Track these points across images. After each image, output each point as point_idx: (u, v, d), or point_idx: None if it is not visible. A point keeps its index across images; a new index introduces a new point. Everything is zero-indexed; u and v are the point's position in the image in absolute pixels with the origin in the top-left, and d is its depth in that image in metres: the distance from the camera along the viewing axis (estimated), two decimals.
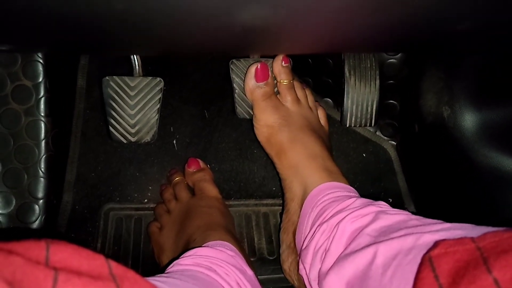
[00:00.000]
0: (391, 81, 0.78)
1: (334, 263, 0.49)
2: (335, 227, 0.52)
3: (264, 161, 0.80)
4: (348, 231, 0.50)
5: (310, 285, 0.55)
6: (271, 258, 0.72)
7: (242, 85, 0.67)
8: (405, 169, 0.82)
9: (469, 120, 0.64)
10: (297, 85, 0.70)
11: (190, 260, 0.50)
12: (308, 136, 0.65)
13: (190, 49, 0.58)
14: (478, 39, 0.53)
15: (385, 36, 0.47)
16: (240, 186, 0.79)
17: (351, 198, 0.55)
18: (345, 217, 0.51)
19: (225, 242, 0.58)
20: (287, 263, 0.64)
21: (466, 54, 0.64)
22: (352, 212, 0.51)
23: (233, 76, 0.68)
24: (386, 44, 0.56)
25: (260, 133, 0.67)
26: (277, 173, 0.68)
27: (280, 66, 0.67)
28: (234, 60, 0.68)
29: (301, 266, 0.56)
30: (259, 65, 0.65)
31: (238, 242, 0.62)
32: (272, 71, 0.67)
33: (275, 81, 0.68)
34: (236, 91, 0.68)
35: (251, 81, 0.66)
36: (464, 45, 0.58)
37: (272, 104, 0.66)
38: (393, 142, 0.84)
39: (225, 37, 0.45)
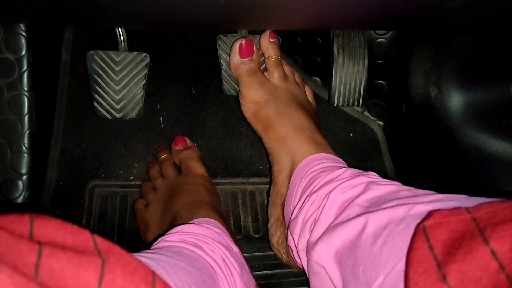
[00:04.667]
0: (380, 61, 0.78)
1: (323, 233, 0.48)
2: (325, 197, 0.51)
3: (251, 139, 0.80)
4: (338, 201, 0.50)
5: (298, 255, 0.54)
6: (256, 236, 0.72)
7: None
8: (391, 149, 0.83)
9: (455, 100, 0.64)
10: (284, 62, 0.69)
11: (176, 237, 0.50)
12: (295, 109, 0.65)
13: (174, 22, 0.57)
14: (466, 19, 0.53)
15: (374, 11, 0.47)
16: (227, 164, 0.79)
17: (341, 168, 0.55)
18: (335, 187, 0.51)
19: (211, 220, 0.58)
20: (275, 237, 0.64)
21: (455, 34, 0.64)
22: (342, 182, 0.51)
23: (220, 52, 0.67)
24: (375, 20, 0.56)
25: (246, 109, 0.67)
26: (265, 149, 0.68)
27: (267, 42, 0.66)
28: (221, 36, 0.67)
29: (289, 237, 0.56)
30: (243, 41, 0.65)
31: (224, 220, 0.62)
32: (258, 48, 0.66)
33: (263, 58, 0.67)
34: (223, 67, 0.68)
35: (235, 57, 0.65)
36: (452, 24, 0.58)
37: (258, 80, 0.66)
38: (380, 122, 0.85)
39: (210, 9, 0.44)
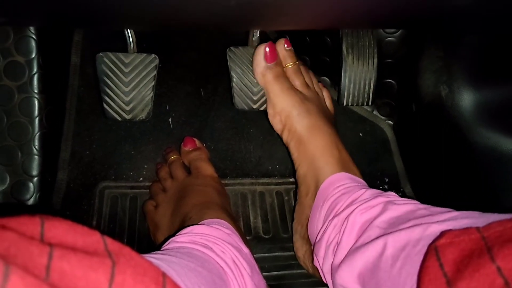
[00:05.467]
0: (389, 60, 0.77)
1: (345, 256, 0.50)
2: (345, 220, 0.52)
3: (260, 140, 0.80)
4: (358, 223, 0.51)
5: (324, 277, 0.56)
6: (266, 236, 0.72)
7: (241, 73, 0.66)
8: (402, 149, 0.82)
9: (467, 99, 0.63)
10: (302, 68, 0.68)
11: (186, 238, 0.50)
12: (324, 123, 0.63)
13: (184, 23, 0.57)
14: (477, 17, 0.52)
15: (384, 10, 0.46)
16: (236, 165, 0.78)
17: (361, 189, 0.55)
18: (354, 209, 0.52)
19: (221, 220, 0.58)
20: (301, 251, 0.65)
21: (465, 33, 0.64)
22: (361, 204, 0.52)
23: (230, 64, 0.66)
24: (385, 19, 0.56)
25: (277, 121, 0.65)
26: (290, 157, 0.67)
27: (284, 51, 0.65)
28: (232, 48, 0.67)
29: (315, 259, 0.57)
30: (267, 46, 0.63)
31: (234, 221, 0.62)
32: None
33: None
34: (234, 79, 0.66)
35: (261, 63, 0.63)
36: (463, 22, 0.57)
37: (287, 86, 0.64)
38: (390, 122, 0.84)
39: (220, 10, 0.44)
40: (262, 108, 0.69)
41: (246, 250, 0.55)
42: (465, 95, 0.63)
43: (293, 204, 0.75)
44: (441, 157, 0.70)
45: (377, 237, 0.46)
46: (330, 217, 0.55)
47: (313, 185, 0.62)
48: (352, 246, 0.50)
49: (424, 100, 0.71)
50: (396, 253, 0.43)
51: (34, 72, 0.64)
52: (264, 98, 0.67)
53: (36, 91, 0.64)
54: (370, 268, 0.46)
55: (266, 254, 0.69)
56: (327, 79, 0.85)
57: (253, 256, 0.57)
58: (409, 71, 0.75)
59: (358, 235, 0.50)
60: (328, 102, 0.71)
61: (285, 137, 0.65)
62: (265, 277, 0.58)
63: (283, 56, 0.65)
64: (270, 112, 0.65)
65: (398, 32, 0.75)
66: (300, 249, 0.65)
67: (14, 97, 0.64)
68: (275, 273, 0.67)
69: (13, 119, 0.65)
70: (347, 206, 0.54)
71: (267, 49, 0.63)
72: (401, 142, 0.82)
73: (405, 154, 0.82)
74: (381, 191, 0.55)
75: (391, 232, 0.45)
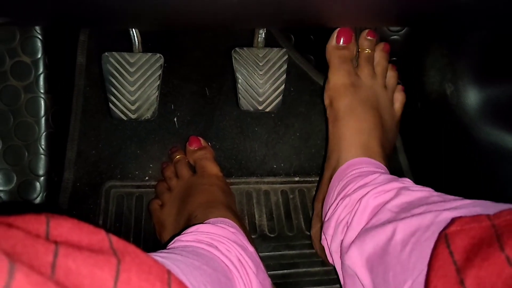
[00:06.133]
0: (394, 58, 0.77)
1: (355, 237, 0.50)
2: (357, 201, 0.53)
3: (265, 139, 0.80)
4: (370, 206, 0.51)
5: (331, 256, 0.56)
6: (272, 235, 0.72)
7: (246, 74, 0.66)
8: (407, 147, 0.82)
9: (472, 97, 0.63)
10: (382, 63, 0.70)
11: (192, 237, 0.50)
12: (366, 110, 0.65)
13: (188, 22, 0.57)
14: (481, 14, 0.52)
15: (388, 7, 0.46)
16: (241, 164, 0.79)
17: (375, 173, 0.56)
18: (368, 192, 0.52)
19: (226, 219, 0.59)
20: (314, 229, 0.67)
21: (470, 30, 0.63)
22: (376, 187, 0.52)
23: (236, 65, 0.67)
24: (389, 17, 0.56)
25: (326, 95, 0.68)
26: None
27: (363, 38, 0.68)
28: (237, 49, 0.67)
29: (323, 237, 0.58)
30: (341, 28, 0.66)
31: (239, 219, 0.62)
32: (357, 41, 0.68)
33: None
34: (239, 80, 0.67)
35: (332, 42, 0.67)
36: (467, 20, 0.57)
37: (346, 68, 0.66)
38: None
39: (223, 8, 0.44)
40: (267, 110, 0.69)
41: (251, 248, 0.55)
42: (470, 93, 0.63)
43: (298, 202, 0.75)
44: (445, 154, 0.70)
45: (388, 222, 0.46)
46: (341, 196, 0.56)
47: (334, 165, 0.63)
48: (362, 228, 0.50)
49: (429, 97, 0.71)
50: (406, 238, 0.43)
51: (40, 72, 0.64)
52: (268, 100, 0.67)
53: (42, 91, 0.65)
54: (379, 252, 0.46)
55: (272, 253, 0.69)
56: None
57: (258, 255, 0.57)
58: (413, 69, 0.75)
59: (369, 217, 0.51)
60: (397, 105, 0.71)
61: (328, 112, 0.68)
62: (271, 276, 0.58)
63: (361, 43, 0.68)
64: (325, 87, 0.68)
65: (403, 30, 0.75)
66: (314, 227, 0.67)
67: (20, 97, 0.64)
68: (281, 271, 0.67)
69: (19, 119, 0.65)
70: (360, 188, 0.54)
71: (341, 30, 0.66)
72: (406, 140, 0.82)
73: (409, 152, 0.81)
74: (396, 176, 0.55)
75: (402, 218, 0.45)
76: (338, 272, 0.56)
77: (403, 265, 0.42)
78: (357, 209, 0.52)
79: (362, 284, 0.49)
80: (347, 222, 0.53)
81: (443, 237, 0.35)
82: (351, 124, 0.64)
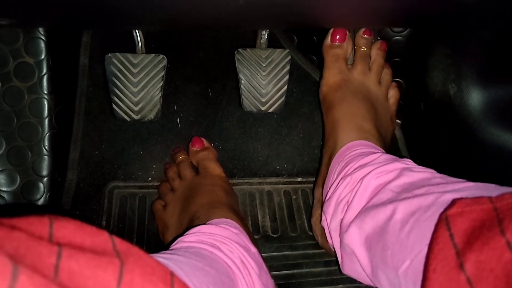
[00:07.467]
0: (397, 59, 0.77)
1: (355, 216, 0.50)
2: (359, 181, 0.53)
3: (268, 139, 0.80)
4: (372, 186, 0.51)
5: (330, 235, 0.56)
6: (275, 236, 0.72)
7: (249, 75, 0.66)
8: (410, 148, 0.82)
9: (475, 98, 0.63)
10: (378, 60, 0.70)
11: (194, 237, 0.51)
12: (359, 99, 0.66)
13: (193, 23, 0.57)
14: (484, 14, 0.52)
15: (392, 8, 0.46)
16: (244, 164, 0.79)
17: (375, 153, 0.56)
18: (369, 172, 0.52)
19: (229, 220, 0.59)
20: (314, 217, 0.67)
21: (474, 30, 0.63)
22: (377, 167, 0.52)
23: (239, 66, 0.67)
24: (392, 17, 0.55)
25: (320, 91, 0.71)
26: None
27: (359, 36, 0.70)
28: (240, 50, 0.67)
29: (323, 217, 0.58)
30: (336, 29, 0.69)
31: (242, 220, 0.62)
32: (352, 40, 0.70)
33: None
34: (242, 81, 0.67)
35: (327, 41, 0.70)
36: (471, 20, 0.57)
37: (338, 66, 0.69)
38: (398, 121, 0.83)
39: (229, 9, 0.44)
40: (270, 110, 0.69)
41: (254, 249, 0.55)
42: (474, 94, 0.63)
43: (301, 203, 0.75)
44: (450, 155, 0.70)
45: (389, 202, 0.46)
46: (341, 176, 0.56)
47: (332, 148, 0.64)
48: (363, 207, 0.50)
49: (432, 98, 0.71)
50: (406, 218, 0.42)
51: (43, 73, 0.64)
52: (271, 100, 0.67)
53: (45, 92, 0.65)
54: (378, 231, 0.46)
55: (275, 253, 0.69)
56: None
57: (261, 255, 0.57)
58: (417, 69, 0.75)
59: (370, 197, 0.51)
60: (391, 101, 0.72)
61: (322, 106, 0.71)
62: (273, 276, 0.58)
63: (358, 41, 0.70)
64: (320, 83, 0.71)
65: (406, 31, 0.75)
66: (314, 215, 0.67)
67: (24, 98, 0.65)
68: (284, 272, 0.67)
69: (23, 119, 0.65)
70: (361, 167, 0.54)
71: (336, 30, 0.69)
72: (410, 141, 0.82)
73: (413, 153, 0.81)
74: (397, 157, 0.55)
75: (403, 198, 0.44)
76: (336, 251, 0.56)
77: (402, 244, 0.41)
78: (358, 188, 0.52)
79: (360, 263, 0.49)
80: (347, 201, 0.53)
81: (444, 219, 0.35)
82: (343, 110, 0.66)
